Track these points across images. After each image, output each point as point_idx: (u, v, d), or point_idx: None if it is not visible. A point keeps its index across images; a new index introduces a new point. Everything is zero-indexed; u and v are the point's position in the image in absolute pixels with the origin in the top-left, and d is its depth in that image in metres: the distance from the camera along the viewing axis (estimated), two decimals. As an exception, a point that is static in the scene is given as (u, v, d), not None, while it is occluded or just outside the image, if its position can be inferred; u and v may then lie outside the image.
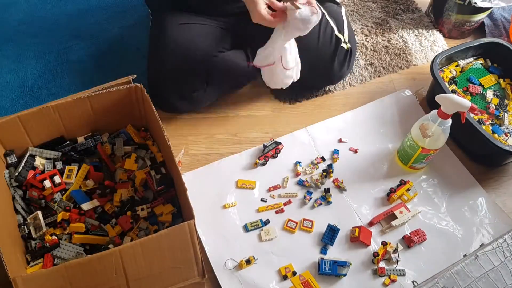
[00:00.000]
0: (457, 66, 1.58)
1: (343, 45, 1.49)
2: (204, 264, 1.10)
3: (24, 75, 1.62)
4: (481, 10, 1.69)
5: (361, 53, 1.72)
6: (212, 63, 1.41)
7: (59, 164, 1.28)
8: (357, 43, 1.73)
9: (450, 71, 1.56)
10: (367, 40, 1.76)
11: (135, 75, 1.28)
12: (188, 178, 1.36)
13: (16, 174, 1.22)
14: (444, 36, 1.80)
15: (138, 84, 1.27)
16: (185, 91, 1.44)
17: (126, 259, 1.00)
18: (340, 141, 1.48)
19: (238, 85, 1.57)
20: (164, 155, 1.32)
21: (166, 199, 1.27)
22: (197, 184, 1.36)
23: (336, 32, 1.48)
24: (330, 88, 1.62)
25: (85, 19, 1.78)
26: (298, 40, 1.28)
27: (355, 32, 1.76)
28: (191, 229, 1.04)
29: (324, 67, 1.50)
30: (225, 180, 1.39)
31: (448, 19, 1.75)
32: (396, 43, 1.76)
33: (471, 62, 1.59)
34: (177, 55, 1.38)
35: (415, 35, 1.80)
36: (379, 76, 1.68)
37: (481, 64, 1.59)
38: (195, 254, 1.06)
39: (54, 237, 1.17)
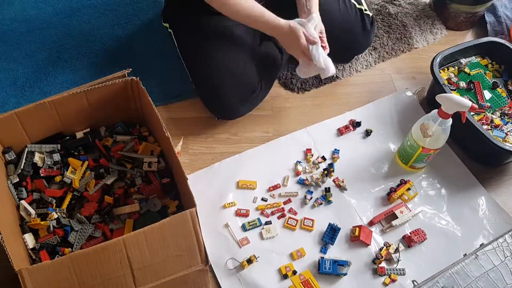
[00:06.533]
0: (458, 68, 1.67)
1: (367, 13, 1.64)
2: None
3: (15, 74, 1.68)
4: (480, 1, 1.79)
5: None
6: (258, 59, 1.54)
7: (56, 156, 1.35)
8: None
9: (449, 75, 1.65)
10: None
11: (130, 69, 1.35)
12: (190, 180, 1.41)
13: (19, 171, 1.29)
14: (444, 26, 1.93)
15: (134, 78, 1.33)
16: (246, 94, 1.54)
17: (130, 248, 1.06)
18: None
19: (276, 76, 1.67)
20: (163, 146, 1.39)
21: (162, 187, 1.35)
22: (198, 185, 1.43)
23: (357, 5, 1.62)
24: (338, 75, 1.73)
25: (77, 17, 1.85)
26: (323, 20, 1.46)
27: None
28: (193, 217, 1.11)
29: (352, 40, 1.62)
30: (226, 181, 1.46)
31: (446, 8, 1.86)
32: (397, 28, 1.88)
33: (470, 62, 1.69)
34: (231, 64, 1.48)
35: (414, 19, 1.93)
36: (383, 61, 1.80)
37: (479, 61, 1.69)
38: (198, 241, 1.13)
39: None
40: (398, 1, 1.98)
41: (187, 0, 1.54)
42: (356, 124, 1.59)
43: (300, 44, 1.38)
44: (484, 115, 1.56)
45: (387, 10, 1.94)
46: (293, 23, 1.38)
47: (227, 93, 1.50)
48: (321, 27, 1.44)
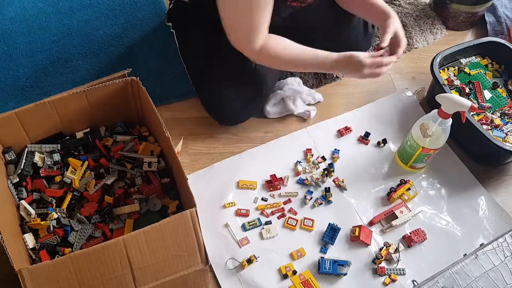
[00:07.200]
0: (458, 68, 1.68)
1: None
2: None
3: (15, 74, 1.69)
4: (479, 1, 1.80)
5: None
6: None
7: (56, 156, 1.36)
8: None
9: (448, 75, 1.65)
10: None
11: (130, 69, 1.36)
12: (190, 180, 1.42)
13: (19, 171, 1.30)
14: (443, 26, 1.94)
15: (134, 78, 1.34)
16: (248, 102, 1.54)
17: (130, 248, 1.07)
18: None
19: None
20: (163, 145, 1.39)
21: (162, 187, 1.35)
22: (198, 185, 1.43)
23: None
24: (338, 75, 1.73)
25: (77, 17, 1.85)
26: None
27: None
28: (193, 217, 1.11)
29: (354, 44, 1.59)
30: (226, 181, 1.46)
31: (446, 8, 1.87)
32: None
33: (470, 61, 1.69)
34: (233, 75, 1.48)
35: (414, 19, 1.94)
36: None
37: (479, 61, 1.70)
38: (198, 241, 1.14)
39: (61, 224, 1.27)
40: (398, 1, 1.99)
41: (193, 9, 1.53)
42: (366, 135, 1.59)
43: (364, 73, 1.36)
44: (484, 115, 1.57)
45: (387, 10, 1.94)
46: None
47: (229, 101, 1.50)
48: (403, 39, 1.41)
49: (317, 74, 1.72)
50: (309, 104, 1.64)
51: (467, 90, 1.61)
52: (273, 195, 1.44)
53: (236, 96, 1.50)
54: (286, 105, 1.60)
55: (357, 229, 1.36)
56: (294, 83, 1.61)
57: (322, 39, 1.50)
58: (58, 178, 1.34)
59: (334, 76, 1.72)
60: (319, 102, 1.66)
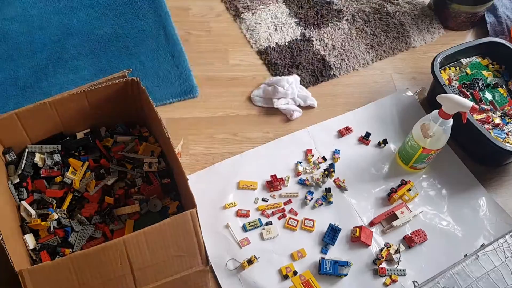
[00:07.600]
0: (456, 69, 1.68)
1: None
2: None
3: (16, 74, 1.68)
4: (480, 2, 1.80)
5: (361, 37, 1.86)
6: None
7: (56, 157, 1.35)
8: (357, 28, 1.89)
9: (448, 75, 1.65)
10: (366, 25, 1.90)
11: (131, 69, 1.36)
12: (190, 180, 1.42)
13: (20, 172, 1.30)
14: (441, 25, 1.94)
15: (134, 78, 1.34)
16: None
17: (131, 249, 1.07)
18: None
19: None
20: (163, 146, 1.39)
21: (162, 188, 1.35)
22: (198, 186, 1.43)
23: None
24: (335, 73, 1.73)
25: (77, 17, 1.85)
26: None
27: (353, 18, 1.92)
28: (193, 218, 1.11)
29: None
30: (226, 181, 1.46)
31: (446, 9, 1.87)
32: (394, 27, 1.90)
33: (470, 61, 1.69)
34: None
35: (412, 18, 1.95)
36: (380, 60, 1.81)
37: (479, 61, 1.70)
38: (198, 242, 1.14)
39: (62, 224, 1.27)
40: (396, 0, 2.00)
41: None
42: (366, 135, 1.58)
43: None
44: (486, 115, 1.57)
45: (385, 9, 1.95)
46: None
47: None
48: None
49: (314, 72, 1.72)
50: (299, 106, 1.65)
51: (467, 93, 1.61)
52: (274, 195, 1.44)
53: None
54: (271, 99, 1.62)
55: (358, 229, 1.36)
56: (286, 84, 1.62)
57: None
58: (58, 179, 1.34)
59: (331, 73, 1.72)
60: (310, 107, 1.66)
